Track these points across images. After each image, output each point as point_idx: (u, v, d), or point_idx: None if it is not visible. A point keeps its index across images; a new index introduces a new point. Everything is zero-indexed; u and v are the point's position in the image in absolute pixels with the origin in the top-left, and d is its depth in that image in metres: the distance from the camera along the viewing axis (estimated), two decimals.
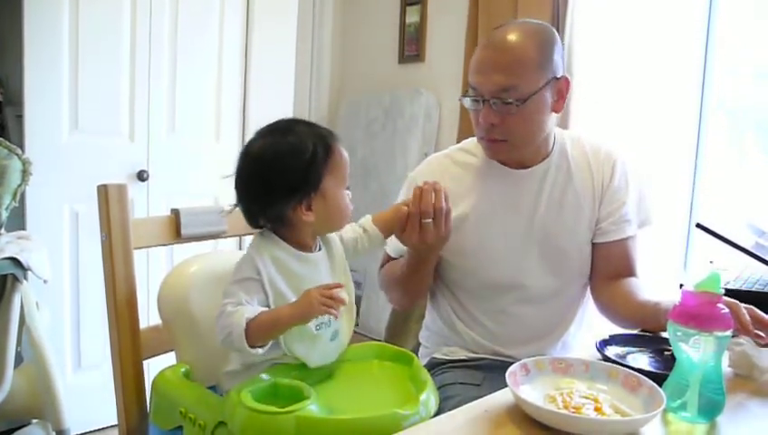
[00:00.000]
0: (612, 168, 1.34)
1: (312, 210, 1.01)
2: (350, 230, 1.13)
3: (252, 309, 0.94)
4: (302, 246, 1.04)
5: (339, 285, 0.94)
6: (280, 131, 1.02)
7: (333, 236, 1.11)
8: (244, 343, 0.92)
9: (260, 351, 0.94)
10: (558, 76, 1.25)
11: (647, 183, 1.42)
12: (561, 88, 1.26)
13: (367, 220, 1.15)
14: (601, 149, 1.36)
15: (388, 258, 1.43)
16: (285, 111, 2.70)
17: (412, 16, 3.15)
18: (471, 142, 1.39)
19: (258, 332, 0.93)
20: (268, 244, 1.02)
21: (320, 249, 1.07)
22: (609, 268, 1.33)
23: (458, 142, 1.45)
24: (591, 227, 1.33)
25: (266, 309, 0.96)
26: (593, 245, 1.34)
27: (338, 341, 1.05)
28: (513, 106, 1.20)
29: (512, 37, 1.23)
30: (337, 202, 1.03)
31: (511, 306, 1.33)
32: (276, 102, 2.67)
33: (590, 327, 1.42)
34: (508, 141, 1.25)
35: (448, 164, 1.38)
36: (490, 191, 1.32)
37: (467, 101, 1.26)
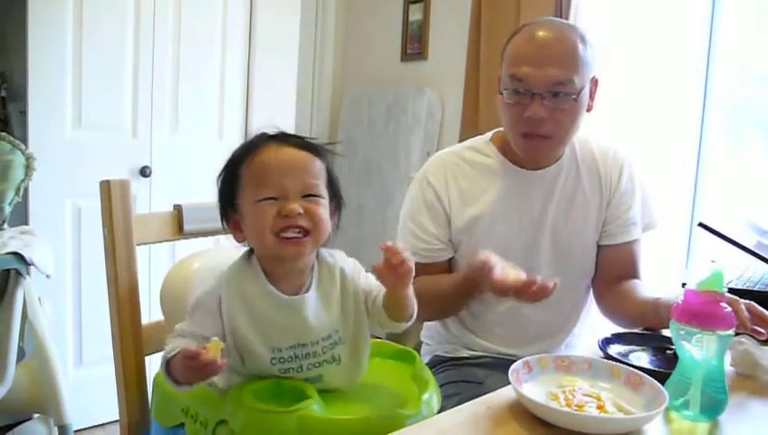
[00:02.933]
0: (620, 170, 1.34)
1: (240, 230, 0.93)
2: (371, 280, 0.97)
3: (177, 345, 0.85)
4: (278, 279, 0.92)
5: (198, 353, 0.77)
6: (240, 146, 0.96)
7: (345, 269, 0.97)
8: (167, 379, 0.86)
9: (186, 388, 0.85)
10: (593, 76, 1.25)
11: (652, 186, 1.42)
12: (593, 88, 1.27)
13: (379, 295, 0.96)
14: (609, 151, 1.36)
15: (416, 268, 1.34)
16: (288, 109, 2.71)
17: (415, 14, 3.14)
18: (480, 141, 1.38)
19: (174, 370, 0.85)
20: (243, 271, 0.93)
21: (308, 290, 0.93)
22: (613, 270, 1.33)
23: (460, 141, 1.44)
24: (598, 228, 1.33)
25: (187, 348, 0.81)
26: (599, 247, 1.34)
27: (321, 384, 0.93)
28: (566, 100, 1.18)
29: (560, 32, 1.21)
30: (248, 218, 0.90)
31: (517, 308, 1.32)
32: (279, 100, 2.67)
33: (592, 329, 1.41)
34: (553, 138, 1.23)
35: (460, 162, 1.35)
36: (503, 192, 1.31)
37: (508, 94, 1.22)
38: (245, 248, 0.99)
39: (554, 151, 1.29)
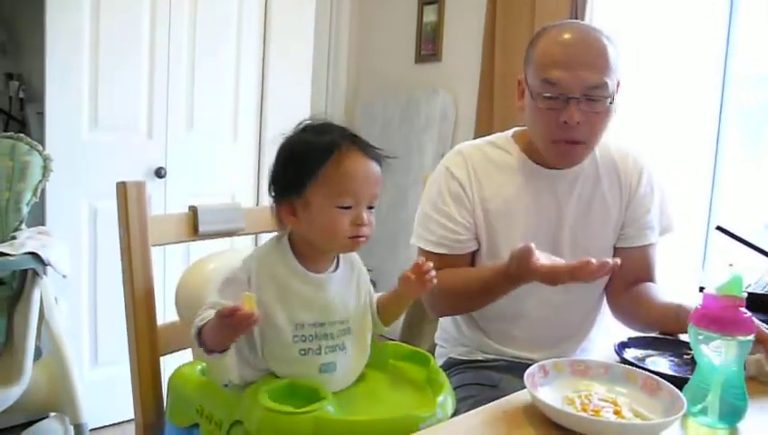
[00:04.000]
0: (639, 175, 1.33)
1: (296, 216, 0.95)
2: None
3: (208, 314, 0.89)
4: (309, 259, 0.97)
5: (236, 308, 0.82)
6: (310, 129, 0.98)
7: (359, 263, 1.04)
8: (198, 347, 0.91)
9: (219, 356, 0.91)
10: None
11: (670, 190, 1.41)
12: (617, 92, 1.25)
13: (373, 299, 1.05)
14: (629, 155, 1.35)
15: (441, 261, 1.27)
16: (302, 111, 2.71)
17: (429, 16, 3.14)
18: (501, 138, 1.36)
19: (207, 339, 0.89)
20: (273, 252, 0.97)
21: (336, 269, 0.99)
22: (629, 274, 1.32)
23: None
24: (616, 231, 1.33)
25: (223, 308, 0.85)
26: (615, 249, 1.33)
27: (333, 375, 0.95)
28: (601, 104, 1.17)
29: (589, 34, 1.20)
30: (321, 217, 0.93)
31: (532, 310, 1.31)
32: (293, 102, 2.68)
33: (608, 333, 1.40)
34: (586, 143, 1.21)
35: (481, 157, 1.33)
36: (521, 190, 1.30)
37: (542, 100, 1.20)
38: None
39: (586, 155, 1.27)
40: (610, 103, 1.18)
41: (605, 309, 1.40)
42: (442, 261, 1.28)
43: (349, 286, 1.00)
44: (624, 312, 1.33)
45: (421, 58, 3.19)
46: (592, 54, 1.18)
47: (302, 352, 0.94)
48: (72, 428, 1.82)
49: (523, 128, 1.32)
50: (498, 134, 1.38)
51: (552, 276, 1.07)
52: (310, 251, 0.97)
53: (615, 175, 1.33)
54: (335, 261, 1.00)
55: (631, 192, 1.32)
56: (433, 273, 0.96)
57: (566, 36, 1.20)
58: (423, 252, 1.32)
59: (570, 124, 1.17)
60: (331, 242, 0.96)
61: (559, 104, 1.17)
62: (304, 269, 0.96)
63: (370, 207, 0.96)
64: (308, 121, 0.99)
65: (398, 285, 1.00)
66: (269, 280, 0.94)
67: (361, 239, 0.95)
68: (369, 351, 1.03)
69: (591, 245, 1.30)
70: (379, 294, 1.05)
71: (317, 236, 0.96)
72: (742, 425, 0.84)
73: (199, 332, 0.90)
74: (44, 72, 2.11)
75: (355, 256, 1.04)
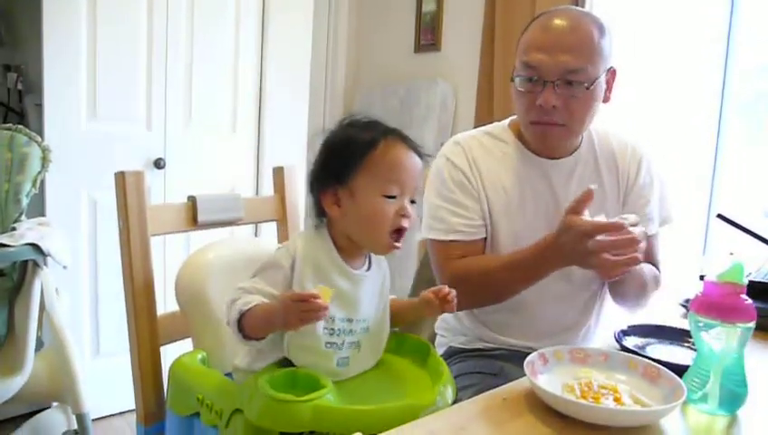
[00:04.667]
0: (638, 165, 1.32)
1: (339, 206, 0.97)
2: None
3: (251, 299, 0.91)
4: (347, 254, 0.99)
5: (314, 295, 0.84)
6: (355, 124, 1.00)
7: (386, 265, 1.07)
8: (237, 333, 0.92)
9: (255, 343, 0.93)
10: (610, 66, 1.23)
11: (669, 181, 1.40)
12: (610, 79, 1.25)
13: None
14: (628, 144, 1.34)
15: (456, 249, 1.27)
16: (301, 103, 2.70)
17: (429, 5, 3.12)
18: (498, 127, 1.36)
19: (249, 325, 0.90)
20: (316, 240, 0.99)
21: (368, 269, 1.02)
22: None
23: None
24: None
25: (264, 302, 0.91)
26: None
27: (346, 368, 0.98)
28: (579, 89, 1.17)
29: (576, 20, 1.20)
30: (365, 206, 0.95)
31: (532, 301, 1.30)
32: (292, 92, 2.67)
33: (609, 322, 1.40)
34: (566, 126, 1.21)
35: (479, 147, 1.33)
36: (519, 179, 1.29)
37: (520, 82, 1.21)
38: (257, 240, 1.01)
39: (567, 140, 1.27)
40: (588, 88, 1.17)
41: (605, 298, 1.39)
42: (458, 249, 1.27)
43: (376, 287, 1.03)
44: (619, 294, 1.33)
45: (420, 48, 3.17)
46: (574, 39, 1.18)
47: (328, 345, 0.96)
48: (74, 417, 1.82)
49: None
50: (495, 123, 1.38)
51: (593, 229, 1.06)
52: (348, 246, 0.99)
53: (614, 166, 1.32)
54: (367, 261, 1.03)
55: (629, 183, 1.32)
56: (456, 301, 0.98)
57: (552, 22, 1.20)
58: (435, 243, 1.30)
59: (545, 107, 1.18)
60: (372, 233, 0.97)
61: (537, 87, 1.18)
62: (344, 264, 0.98)
63: (412, 202, 0.98)
64: (352, 118, 1.01)
65: (418, 302, 1.02)
66: (311, 269, 0.96)
67: (398, 244, 0.96)
68: (381, 352, 1.04)
69: None
70: (392, 296, 1.08)
71: (360, 226, 0.97)
72: (742, 412, 0.84)
73: (242, 315, 0.90)
74: (42, 63, 2.10)
75: (383, 258, 1.05)
